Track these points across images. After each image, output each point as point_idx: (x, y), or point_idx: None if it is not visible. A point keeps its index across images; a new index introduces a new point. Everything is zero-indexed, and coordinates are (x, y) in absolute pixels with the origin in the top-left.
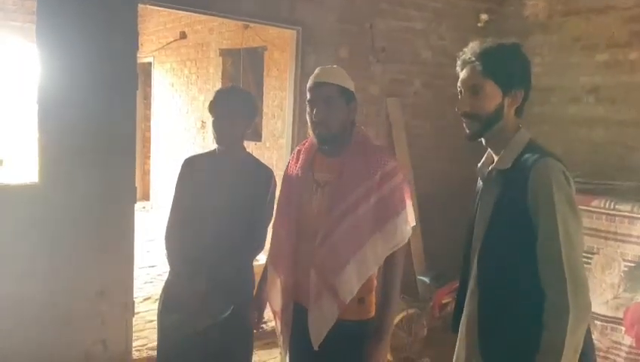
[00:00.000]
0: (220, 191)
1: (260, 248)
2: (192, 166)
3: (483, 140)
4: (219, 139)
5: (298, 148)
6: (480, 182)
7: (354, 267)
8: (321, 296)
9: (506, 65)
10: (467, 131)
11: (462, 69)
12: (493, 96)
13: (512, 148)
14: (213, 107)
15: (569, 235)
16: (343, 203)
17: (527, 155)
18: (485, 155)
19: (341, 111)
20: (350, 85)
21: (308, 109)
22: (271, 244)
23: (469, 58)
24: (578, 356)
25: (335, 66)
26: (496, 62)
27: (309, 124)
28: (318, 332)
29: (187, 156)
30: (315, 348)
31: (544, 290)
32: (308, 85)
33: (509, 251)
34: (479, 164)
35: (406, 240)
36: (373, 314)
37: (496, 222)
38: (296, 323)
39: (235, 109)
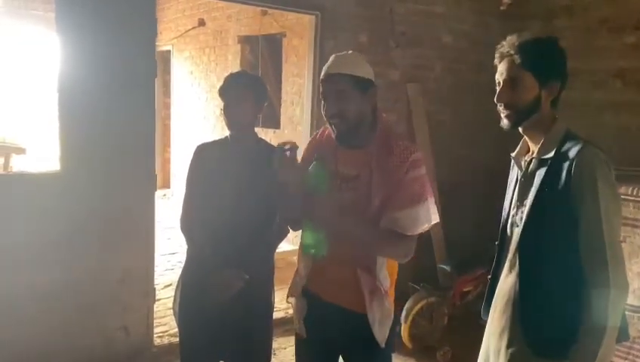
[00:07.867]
0: (233, 177)
1: (283, 233)
2: (203, 153)
3: (520, 129)
4: (230, 125)
5: (311, 138)
6: (515, 170)
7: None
8: (374, 296)
9: (543, 59)
10: (505, 121)
11: (500, 62)
12: (530, 88)
13: (551, 137)
14: (223, 92)
15: (610, 219)
16: (377, 198)
17: (568, 144)
18: (520, 144)
19: (355, 103)
20: (365, 72)
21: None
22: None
23: (508, 51)
24: (617, 332)
25: (350, 52)
26: (534, 56)
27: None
28: (383, 334)
29: (199, 143)
30: (382, 345)
31: (586, 271)
32: (320, 77)
33: (552, 235)
34: (514, 153)
35: (410, 232)
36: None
37: (539, 209)
38: (310, 313)
39: (245, 94)
